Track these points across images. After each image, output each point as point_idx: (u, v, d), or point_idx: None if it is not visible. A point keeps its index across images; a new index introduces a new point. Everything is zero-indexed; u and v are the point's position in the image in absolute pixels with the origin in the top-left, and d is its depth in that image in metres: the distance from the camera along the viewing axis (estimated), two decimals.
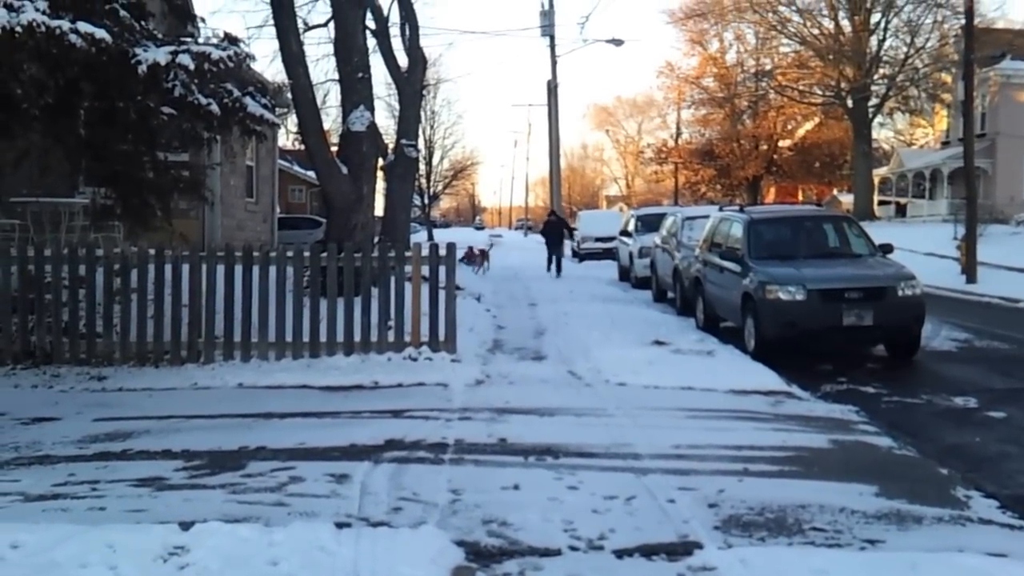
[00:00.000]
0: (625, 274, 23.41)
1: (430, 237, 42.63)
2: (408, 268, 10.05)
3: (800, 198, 56.67)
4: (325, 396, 8.58)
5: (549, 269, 25.48)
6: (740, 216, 12.82)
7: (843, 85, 43.74)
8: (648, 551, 4.57)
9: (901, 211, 47.82)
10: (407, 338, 9.90)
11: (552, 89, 34.38)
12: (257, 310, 9.81)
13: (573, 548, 4.62)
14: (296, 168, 40.77)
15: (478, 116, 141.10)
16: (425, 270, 10.11)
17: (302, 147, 16.75)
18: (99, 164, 10.11)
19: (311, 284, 10.23)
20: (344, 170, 13.73)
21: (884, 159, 53.54)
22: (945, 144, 46.59)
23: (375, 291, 10.08)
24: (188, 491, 5.55)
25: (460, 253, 13.11)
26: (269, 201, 22.53)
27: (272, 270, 9.93)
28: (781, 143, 52.70)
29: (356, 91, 14.81)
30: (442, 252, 10.02)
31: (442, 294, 9.97)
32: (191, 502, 5.31)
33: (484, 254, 26.87)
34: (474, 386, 8.94)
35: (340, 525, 4.80)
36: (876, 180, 48.26)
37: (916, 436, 7.27)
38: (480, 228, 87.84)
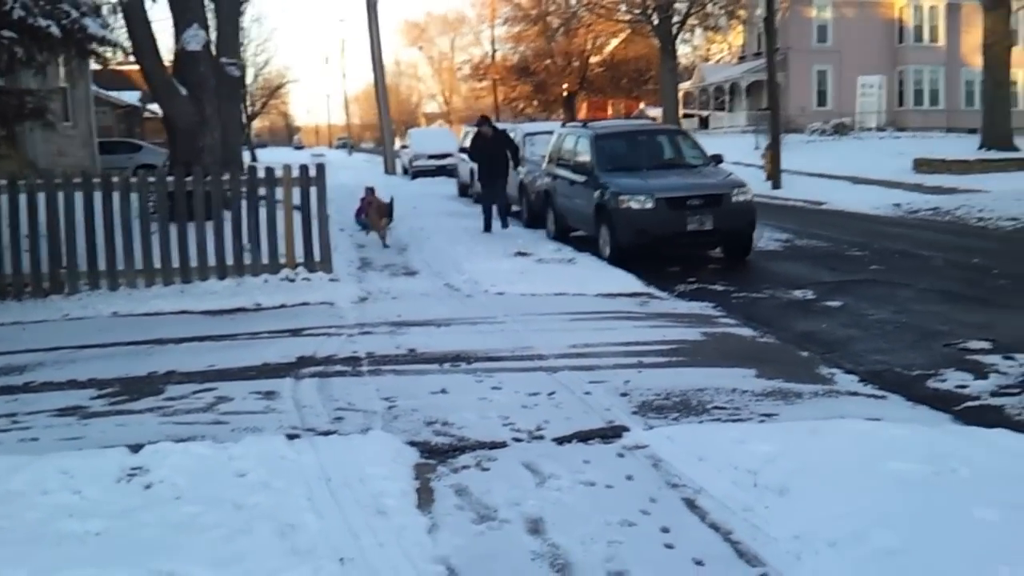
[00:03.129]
0: (464, 190, 23.76)
1: (253, 159, 41.30)
2: (263, 191, 10.00)
3: (610, 112, 58.50)
4: (211, 320, 8.57)
5: (489, 227, 14.78)
6: (585, 132, 13.42)
7: (649, 3, 45.11)
8: (584, 436, 5.07)
9: (704, 123, 50.26)
10: (282, 260, 9.92)
11: (371, 3, 33.73)
12: (121, 238, 9.55)
13: (517, 439, 5.06)
14: (97, 88, 38.22)
15: (288, 33, 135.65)
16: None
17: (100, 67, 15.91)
18: None
19: (158, 209, 9.93)
20: (184, 92, 13.27)
21: (687, 74, 55.87)
22: (742, 59, 49.10)
23: (228, 214, 9.95)
24: (116, 417, 5.58)
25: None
26: (87, 126, 21.31)
27: (134, 197, 9.67)
28: (592, 59, 53.94)
29: (189, 8, 14.21)
30: (312, 173, 10.03)
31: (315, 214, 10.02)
32: (126, 427, 5.36)
33: (383, 210, 14.00)
34: (360, 303, 9.16)
35: (291, 436, 5.03)
36: (680, 94, 50.43)
37: (771, 326, 8.12)
38: (299, 148, 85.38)
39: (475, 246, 12.94)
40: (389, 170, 34.06)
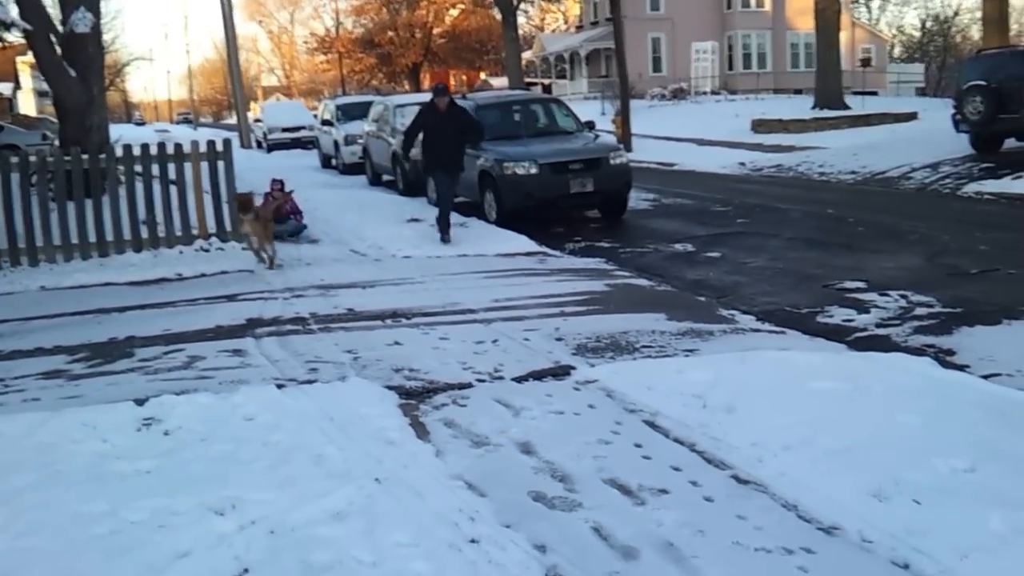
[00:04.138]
0: (327, 161, 24.06)
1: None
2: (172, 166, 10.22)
3: (452, 83, 59.08)
4: (141, 290, 8.82)
5: (446, 236, 11.18)
6: (466, 103, 14.03)
7: None
8: (538, 375, 5.81)
9: (547, 91, 51.63)
10: (194, 231, 10.18)
11: None
12: (39, 216, 9.61)
13: (480, 380, 5.74)
14: None
15: (125, 7, 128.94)
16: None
17: None
18: None
19: (56, 187, 9.99)
20: (72, 73, 13.23)
21: (526, 44, 57.09)
22: (580, 28, 50.72)
23: (139, 188, 10.15)
24: (102, 377, 5.92)
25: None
26: None
27: (35, 178, 9.74)
28: (435, 31, 54.37)
29: None
30: (219, 148, 10.31)
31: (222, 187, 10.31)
32: (117, 385, 5.73)
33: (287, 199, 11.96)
34: (277, 270, 9.56)
35: (279, 386, 5.56)
36: (522, 64, 51.56)
37: (663, 275, 9.09)
38: (141, 124, 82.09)
39: (365, 214, 13.43)
40: (245, 144, 33.68)
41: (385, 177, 18.60)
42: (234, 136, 30.96)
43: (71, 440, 4.68)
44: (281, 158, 27.80)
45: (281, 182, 12.12)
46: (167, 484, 4.11)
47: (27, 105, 46.83)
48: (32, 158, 10.03)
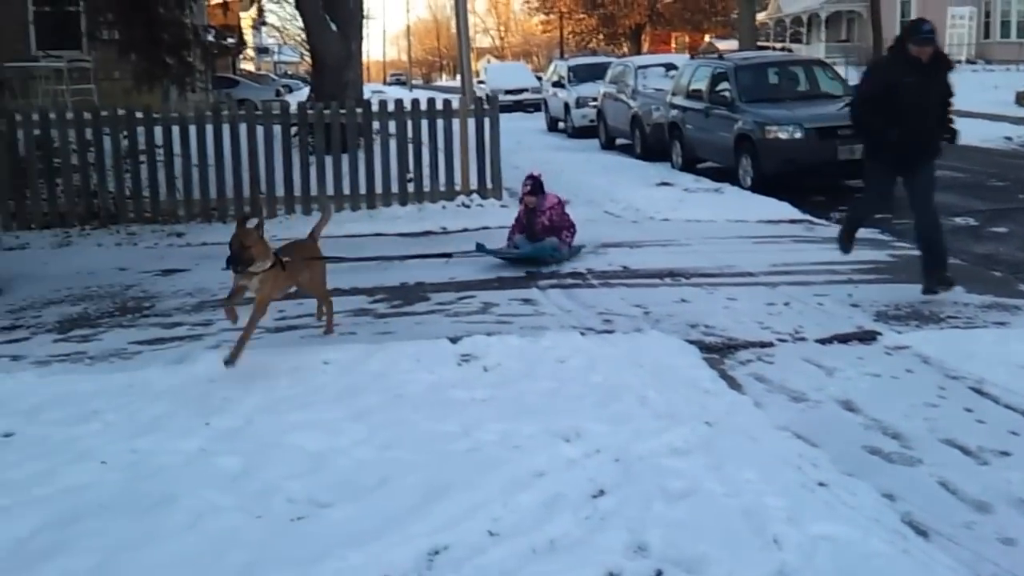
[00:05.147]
0: (554, 124, 24.14)
1: None
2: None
3: (673, 46, 57.99)
4: (410, 241, 9.17)
5: (848, 245, 7.20)
6: (723, 63, 13.77)
7: None
8: (842, 339, 5.64)
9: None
10: (456, 187, 10.54)
11: None
12: (316, 166, 10.24)
13: (781, 340, 5.64)
14: None
15: None
16: None
17: None
18: (146, 29, 10.14)
19: (316, 141, 10.44)
20: (334, 28, 13.81)
21: (759, 5, 55.13)
22: None
23: (381, 146, 10.52)
24: (407, 317, 6.26)
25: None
26: None
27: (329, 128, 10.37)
28: None
29: None
30: (486, 105, 10.60)
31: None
32: (424, 325, 6.04)
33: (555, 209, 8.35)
34: None
35: (582, 333, 5.67)
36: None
37: (949, 249, 8.53)
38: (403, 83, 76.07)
39: (613, 177, 13.46)
40: None
41: (619, 141, 18.54)
42: (454, 99, 31.72)
43: (400, 370, 4.97)
44: (504, 121, 28.17)
45: (536, 179, 8.15)
46: (507, 411, 4.30)
47: (246, 62, 49.10)
48: (293, 110, 10.63)
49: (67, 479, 3.73)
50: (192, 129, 10.11)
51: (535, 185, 8.06)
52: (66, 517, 3.40)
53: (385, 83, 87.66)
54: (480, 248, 7.81)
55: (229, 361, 4.81)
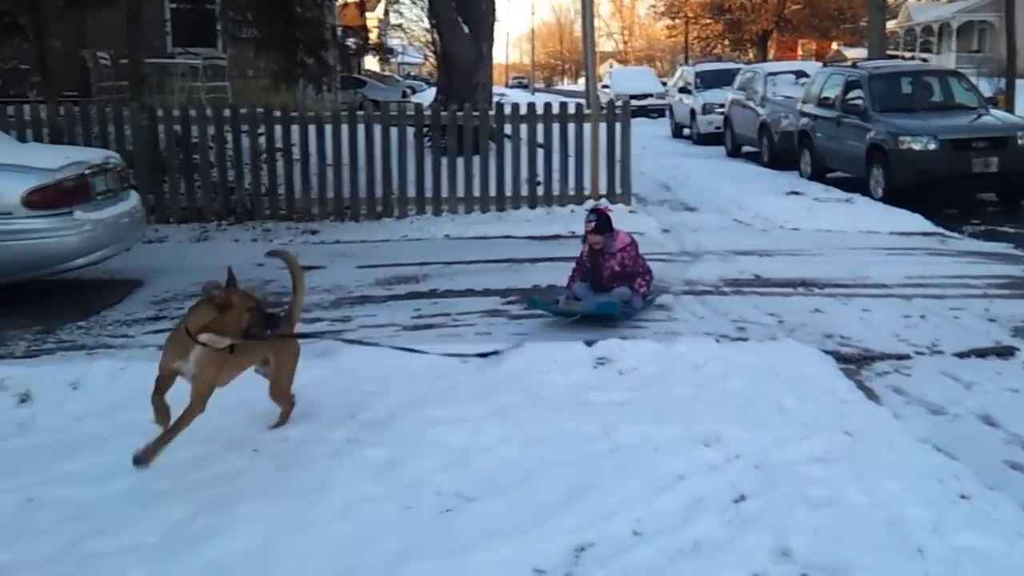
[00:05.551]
0: (679, 131, 24.03)
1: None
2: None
3: (799, 53, 56.73)
4: (539, 244, 9.35)
5: None
6: (856, 72, 13.51)
7: None
8: (979, 353, 5.54)
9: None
10: (585, 192, 10.67)
11: None
12: (447, 167, 10.52)
13: (919, 353, 5.57)
14: None
15: None
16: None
17: None
18: (284, 28, 10.59)
19: (449, 143, 10.64)
20: (466, 29, 14.09)
21: (890, 13, 53.48)
22: None
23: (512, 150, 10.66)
24: (538, 319, 6.38)
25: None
26: None
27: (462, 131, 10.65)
28: None
29: None
30: (618, 110, 10.69)
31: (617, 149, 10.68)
32: (556, 327, 6.17)
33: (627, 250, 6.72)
34: (666, 234, 9.77)
35: (716, 340, 5.71)
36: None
37: None
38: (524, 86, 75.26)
39: (741, 185, 13.35)
40: None
41: (745, 148, 18.36)
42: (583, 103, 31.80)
43: (537, 371, 5.09)
44: None
45: (602, 213, 6.75)
46: (645, 415, 4.39)
47: (369, 62, 49.92)
48: (426, 112, 10.91)
49: (221, 466, 3.94)
50: (328, 128, 10.46)
51: (601, 221, 6.49)
52: (222, 501, 3.60)
53: (507, 86, 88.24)
54: (533, 303, 6.54)
55: (140, 460, 3.63)
